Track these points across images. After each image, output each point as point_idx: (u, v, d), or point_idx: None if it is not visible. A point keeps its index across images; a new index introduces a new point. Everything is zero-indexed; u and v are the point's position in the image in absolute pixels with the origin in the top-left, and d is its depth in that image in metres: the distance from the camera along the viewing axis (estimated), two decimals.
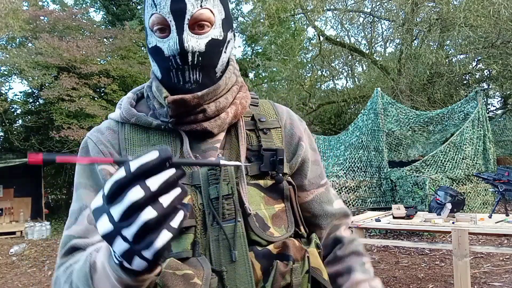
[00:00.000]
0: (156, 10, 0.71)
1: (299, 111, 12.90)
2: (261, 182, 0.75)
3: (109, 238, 0.45)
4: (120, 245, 0.44)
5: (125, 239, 0.43)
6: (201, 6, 0.71)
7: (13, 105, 11.84)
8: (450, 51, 11.14)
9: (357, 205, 6.50)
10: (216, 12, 0.74)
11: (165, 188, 0.43)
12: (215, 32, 0.74)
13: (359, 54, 12.24)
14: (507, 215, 3.20)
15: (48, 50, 9.36)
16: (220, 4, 0.75)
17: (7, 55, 10.09)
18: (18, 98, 12.12)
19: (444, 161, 6.91)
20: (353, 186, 6.58)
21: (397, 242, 5.16)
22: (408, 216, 3.29)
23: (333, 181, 6.39)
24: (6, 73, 10.97)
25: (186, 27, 0.71)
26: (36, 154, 0.46)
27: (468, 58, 10.53)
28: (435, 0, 9.25)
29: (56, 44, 9.32)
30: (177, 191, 0.44)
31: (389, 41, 13.21)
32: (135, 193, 0.42)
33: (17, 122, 12.41)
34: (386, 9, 11.04)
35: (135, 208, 0.42)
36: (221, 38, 0.75)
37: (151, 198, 0.42)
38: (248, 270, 0.68)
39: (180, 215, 0.44)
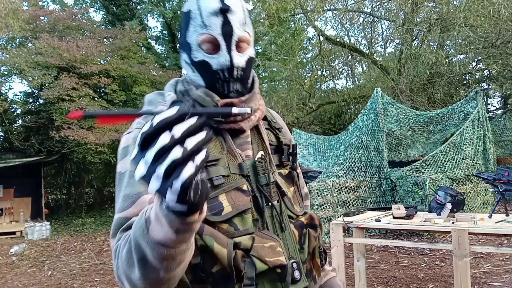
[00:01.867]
0: (207, 30, 0.85)
1: (299, 111, 12.90)
2: (281, 170, 0.95)
3: (145, 179, 0.53)
4: (155, 183, 0.52)
5: (157, 177, 0.51)
6: (244, 30, 0.88)
7: (13, 105, 11.83)
8: (450, 51, 11.14)
9: (357, 205, 6.50)
10: (251, 34, 0.91)
11: (188, 133, 0.51)
12: (251, 51, 0.91)
13: (359, 54, 12.24)
14: (507, 215, 3.20)
15: (48, 50, 9.36)
16: (251, 27, 0.92)
17: (7, 55, 10.09)
18: (18, 98, 12.11)
19: (444, 161, 6.91)
20: (353, 186, 6.58)
21: (397, 242, 5.16)
22: (408, 216, 3.29)
23: (333, 181, 6.39)
24: (6, 73, 10.96)
25: (233, 47, 0.86)
26: (77, 111, 0.58)
27: (468, 58, 10.52)
28: (435, 0, 9.25)
29: (56, 44, 9.32)
30: (201, 135, 0.52)
31: (389, 41, 13.22)
32: (163, 139, 0.51)
33: (17, 122, 12.40)
34: (386, 9, 11.04)
35: (164, 151, 0.50)
36: (253, 55, 0.92)
37: (177, 142, 0.51)
38: (292, 236, 0.89)
39: (202, 154, 0.52)
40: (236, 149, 0.89)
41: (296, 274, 0.85)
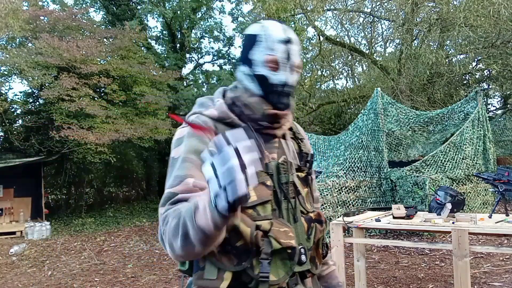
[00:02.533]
0: (273, 52, 1.09)
1: (299, 111, 12.90)
2: (299, 173, 1.16)
3: (209, 178, 0.75)
4: (215, 188, 0.74)
5: (217, 176, 0.73)
6: (299, 58, 1.13)
7: (13, 105, 11.83)
8: (450, 51, 11.14)
9: (357, 205, 6.49)
10: (300, 62, 1.15)
11: (247, 150, 0.74)
12: (298, 75, 1.15)
13: (359, 54, 12.24)
14: (507, 215, 3.20)
15: (48, 50, 9.35)
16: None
17: (7, 55, 10.08)
18: (18, 98, 12.11)
19: (444, 161, 6.91)
20: (353, 186, 6.57)
21: (397, 242, 5.16)
22: (408, 216, 3.29)
23: (333, 181, 6.38)
24: (6, 73, 10.96)
25: (289, 69, 1.10)
26: (177, 116, 0.91)
27: (468, 58, 10.52)
28: (435, 0, 9.25)
29: (56, 44, 9.31)
30: (255, 154, 0.75)
31: (389, 41, 13.22)
32: (228, 150, 0.73)
33: (17, 122, 12.40)
34: (386, 9, 11.04)
35: (227, 159, 0.72)
36: (298, 78, 1.15)
37: (238, 155, 0.72)
38: (302, 227, 1.10)
39: (253, 168, 0.74)
40: (265, 152, 1.08)
41: (303, 257, 1.07)
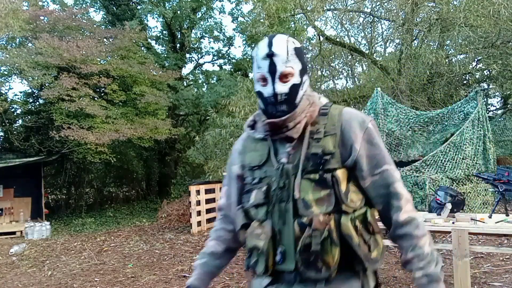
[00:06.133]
0: (260, 70, 1.21)
1: None
2: (311, 176, 1.17)
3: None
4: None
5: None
6: (286, 66, 1.19)
7: (13, 105, 11.84)
8: (450, 51, 11.12)
9: None
10: (295, 67, 1.21)
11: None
12: (294, 79, 1.21)
13: (359, 54, 12.23)
14: (507, 215, 3.20)
15: (48, 50, 9.35)
16: (298, 61, 1.22)
17: (7, 55, 10.09)
18: (18, 98, 12.12)
19: (444, 161, 6.90)
20: None
21: None
22: None
23: None
24: (6, 73, 10.96)
25: (277, 80, 1.19)
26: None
27: (468, 58, 10.51)
28: (435, 0, 9.25)
29: (56, 44, 9.31)
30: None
31: (389, 41, 13.21)
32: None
33: (17, 122, 12.41)
34: (386, 9, 11.02)
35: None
36: (298, 82, 1.22)
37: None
38: (291, 230, 1.15)
39: None
40: (273, 157, 1.23)
41: (277, 258, 1.16)
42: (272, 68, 1.19)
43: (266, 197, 1.20)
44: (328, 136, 1.20)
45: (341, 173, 1.17)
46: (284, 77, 1.19)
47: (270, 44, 1.20)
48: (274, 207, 1.18)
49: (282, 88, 1.19)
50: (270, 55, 1.19)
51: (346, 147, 1.20)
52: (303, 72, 1.24)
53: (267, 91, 1.20)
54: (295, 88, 1.21)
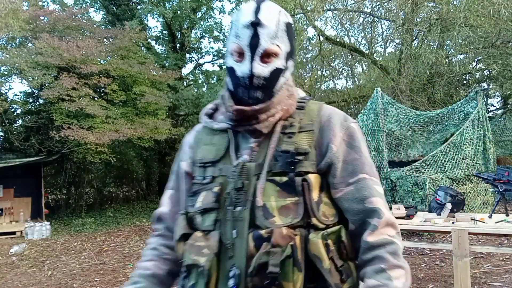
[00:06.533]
0: (237, 40, 0.94)
1: None
2: (277, 178, 0.91)
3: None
4: None
5: None
6: (272, 42, 0.93)
7: (13, 105, 11.83)
8: (450, 51, 11.13)
9: None
10: (282, 46, 0.96)
11: None
12: (279, 62, 0.96)
13: (359, 54, 12.24)
14: (507, 215, 3.20)
15: (48, 50, 9.35)
16: (287, 40, 0.97)
17: (7, 55, 10.08)
18: (18, 98, 12.10)
19: (444, 161, 6.90)
20: None
21: None
22: (408, 216, 3.29)
23: None
24: (6, 73, 10.95)
25: (257, 58, 0.93)
26: None
27: (468, 58, 10.51)
28: (435, 0, 9.25)
29: (56, 44, 9.30)
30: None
31: (389, 41, 13.22)
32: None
33: (17, 122, 12.40)
34: (386, 9, 11.03)
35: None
36: (282, 67, 0.97)
37: None
38: (243, 245, 0.87)
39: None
40: (232, 153, 0.97)
41: (230, 282, 0.86)
42: (254, 41, 0.92)
43: (217, 201, 0.92)
44: (303, 132, 0.95)
45: (314, 178, 0.92)
46: (266, 56, 0.93)
47: (257, 10, 0.93)
48: (226, 214, 0.91)
49: (262, 70, 0.93)
50: (255, 24, 0.92)
51: (322, 147, 0.95)
52: (289, 55, 0.99)
53: (241, 69, 0.94)
54: (277, 73, 0.95)
